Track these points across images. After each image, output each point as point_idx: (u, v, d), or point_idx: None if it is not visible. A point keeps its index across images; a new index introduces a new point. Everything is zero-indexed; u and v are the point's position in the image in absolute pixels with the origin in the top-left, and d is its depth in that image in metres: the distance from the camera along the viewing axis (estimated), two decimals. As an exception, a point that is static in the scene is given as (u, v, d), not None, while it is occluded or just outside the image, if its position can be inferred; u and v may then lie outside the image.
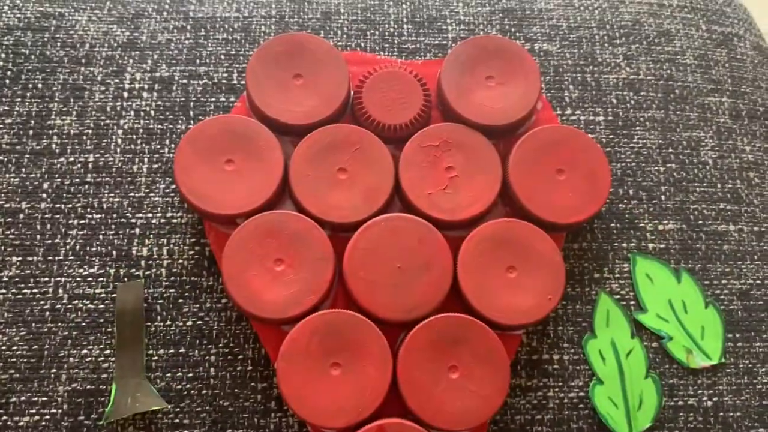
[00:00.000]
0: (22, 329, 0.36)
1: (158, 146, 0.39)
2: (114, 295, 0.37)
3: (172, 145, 0.39)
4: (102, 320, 0.36)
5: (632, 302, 0.38)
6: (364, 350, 0.34)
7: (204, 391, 0.35)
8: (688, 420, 0.36)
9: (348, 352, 0.34)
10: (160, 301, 0.37)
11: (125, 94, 0.40)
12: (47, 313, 0.36)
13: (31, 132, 0.39)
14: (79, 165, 0.39)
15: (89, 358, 0.35)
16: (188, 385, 0.35)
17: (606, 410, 0.36)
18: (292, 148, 0.38)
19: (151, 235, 0.38)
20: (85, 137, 0.39)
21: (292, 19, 0.43)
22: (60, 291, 0.36)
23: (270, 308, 0.34)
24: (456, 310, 0.36)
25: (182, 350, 0.36)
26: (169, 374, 0.35)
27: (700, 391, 0.37)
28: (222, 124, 0.37)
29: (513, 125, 0.39)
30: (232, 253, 0.35)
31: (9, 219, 0.38)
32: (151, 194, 0.38)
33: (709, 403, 0.37)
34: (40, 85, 0.40)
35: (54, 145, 0.39)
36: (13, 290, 0.36)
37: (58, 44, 0.42)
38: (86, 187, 0.38)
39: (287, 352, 0.34)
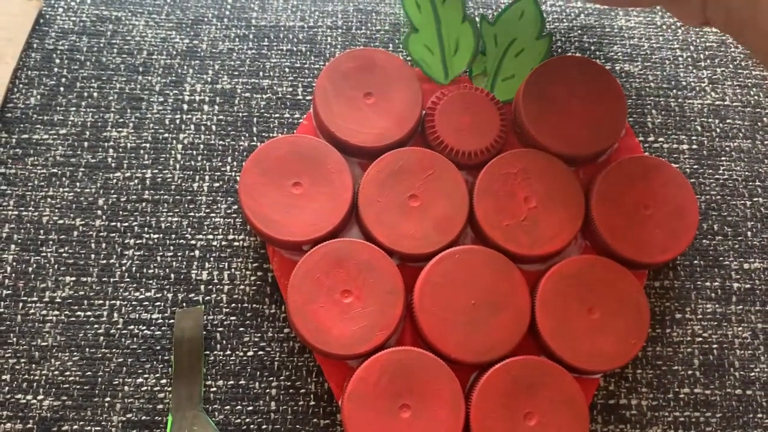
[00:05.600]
0: (75, 354, 0.34)
1: (219, 163, 0.37)
2: (172, 320, 0.35)
3: (234, 163, 0.37)
4: (158, 347, 0.34)
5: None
6: (436, 392, 0.32)
7: (264, 426, 0.34)
8: None
9: (418, 394, 0.32)
10: (220, 329, 0.35)
11: (185, 107, 0.38)
12: (101, 337, 0.34)
13: (86, 144, 0.38)
14: (136, 180, 0.37)
15: (144, 387, 0.34)
16: (247, 419, 0.34)
17: (421, 56, 0.38)
18: (359, 170, 0.36)
19: (212, 258, 0.36)
20: (142, 151, 0.38)
21: (359, 31, 0.41)
22: (115, 315, 0.35)
23: (337, 343, 0.32)
24: (531, 351, 0.34)
25: (242, 382, 0.34)
26: (227, 407, 0.34)
27: None
28: (290, 144, 0.35)
29: (596, 153, 0.36)
30: (298, 283, 0.33)
31: (63, 236, 0.36)
32: (212, 215, 0.37)
33: None
34: (95, 94, 0.39)
35: (110, 159, 0.37)
36: (66, 312, 0.35)
37: (115, 50, 0.40)
38: (143, 204, 0.37)
39: (354, 392, 0.32)
